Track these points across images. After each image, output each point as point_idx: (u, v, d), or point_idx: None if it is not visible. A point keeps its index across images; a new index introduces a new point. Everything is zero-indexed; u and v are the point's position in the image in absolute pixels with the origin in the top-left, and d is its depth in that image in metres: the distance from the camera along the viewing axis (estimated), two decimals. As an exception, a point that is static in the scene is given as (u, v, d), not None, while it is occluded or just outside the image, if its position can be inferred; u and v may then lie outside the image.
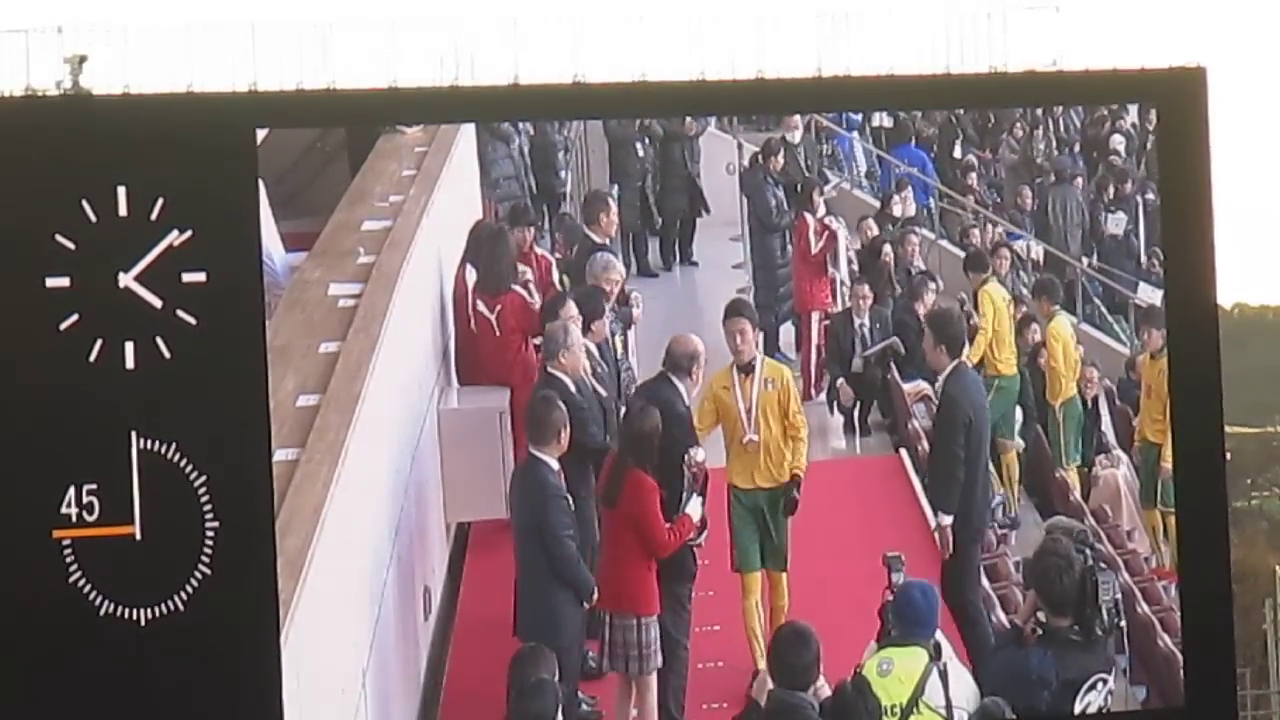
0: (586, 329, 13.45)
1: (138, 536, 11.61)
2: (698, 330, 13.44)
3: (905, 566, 11.74)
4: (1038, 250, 15.74)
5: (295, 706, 11.44)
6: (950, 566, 13.18)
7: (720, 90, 12.47)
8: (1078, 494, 14.74)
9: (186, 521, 11.62)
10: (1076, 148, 16.20)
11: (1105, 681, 11.19)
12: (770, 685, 10.78)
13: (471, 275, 13.89)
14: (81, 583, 11.52)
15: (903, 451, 14.64)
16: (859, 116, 16.17)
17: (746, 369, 13.40)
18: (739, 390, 13.38)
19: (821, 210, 15.11)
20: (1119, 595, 11.24)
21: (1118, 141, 16.03)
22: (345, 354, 12.51)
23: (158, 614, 11.56)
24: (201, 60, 11.76)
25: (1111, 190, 15.87)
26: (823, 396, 15.00)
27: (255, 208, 11.90)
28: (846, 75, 12.51)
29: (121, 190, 11.64)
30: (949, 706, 10.88)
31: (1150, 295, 14.98)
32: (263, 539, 11.49)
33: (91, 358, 11.59)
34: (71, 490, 11.55)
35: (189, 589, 11.59)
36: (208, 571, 11.61)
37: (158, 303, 11.66)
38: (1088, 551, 11.29)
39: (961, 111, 16.05)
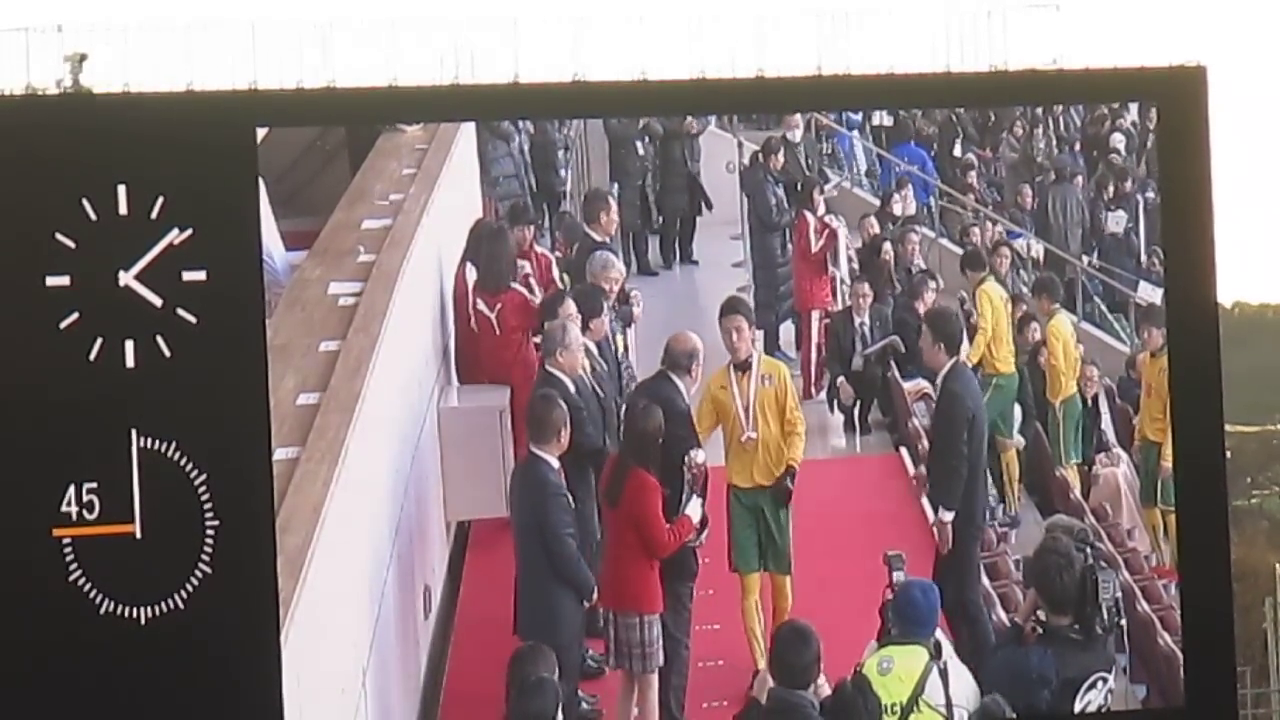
0: (585, 327, 13.45)
1: (138, 535, 11.62)
2: (697, 329, 13.44)
3: (906, 565, 11.74)
4: (1038, 249, 15.74)
5: (295, 705, 11.45)
6: (950, 564, 13.18)
7: (720, 89, 12.47)
8: (1078, 492, 14.74)
9: (186, 520, 11.63)
10: (1077, 146, 16.20)
11: (1105, 680, 11.20)
12: (770, 684, 10.78)
13: (472, 274, 13.90)
14: (81, 581, 11.52)
15: (903, 450, 14.65)
16: (859, 115, 16.17)
17: (743, 367, 13.40)
18: (736, 388, 13.37)
19: (822, 209, 15.11)
20: (1119, 594, 11.24)
21: (1118, 140, 16.03)
22: (345, 353, 12.51)
23: (158, 613, 11.57)
24: (201, 59, 11.76)
25: (1111, 189, 15.87)
26: (823, 395, 15.00)
27: (255, 206, 11.90)
28: (846, 74, 12.51)
29: (122, 189, 11.65)
30: (949, 705, 10.89)
31: (1150, 294, 14.98)
32: (263, 538, 11.49)
33: (92, 356, 11.59)
34: (71, 489, 11.55)
35: (189, 588, 11.60)
36: (208, 570, 11.62)
37: (158, 301, 11.67)
38: (1088, 550, 11.29)
39: (962, 110, 16.05)
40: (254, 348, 11.80)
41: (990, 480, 14.29)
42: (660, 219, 15.42)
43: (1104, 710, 11.24)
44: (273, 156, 12.41)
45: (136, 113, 11.79)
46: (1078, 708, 11.07)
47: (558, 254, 14.56)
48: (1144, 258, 15.59)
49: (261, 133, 12.09)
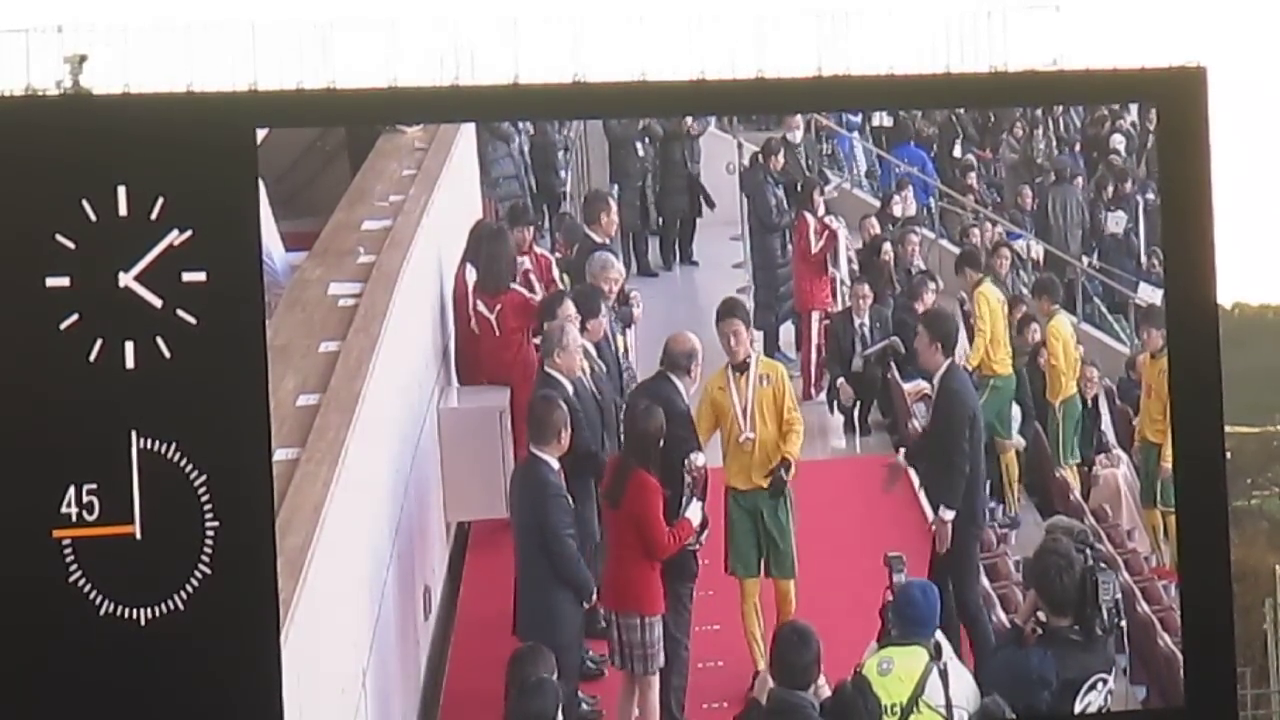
0: (582, 328, 13.45)
1: (138, 536, 11.61)
2: (697, 329, 13.44)
3: (906, 567, 11.74)
4: (1038, 250, 15.75)
5: (295, 706, 11.44)
6: (949, 563, 13.18)
7: (720, 90, 12.47)
8: (1078, 493, 14.74)
9: (186, 521, 11.62)
10: (1077, 147, 16.21)
11: (1105, 681, 11.19)
12: (771, 684, 10.79)
13: (471, 275, 13.90)
14: (81, 582, 11.52)
15: (903, 451, 14.64)
16: (859, 116, 16.17)
17: (741, 368, 13.40)
18: (734, 389, 13.37)
19: (822, 210, 15.11)
20: (1119, 595, 11.24)
21: (1118, 141, 16.04)
22: (345, 353, 12.51)
23: (158, 614, 11.56)
24: (201, 60, 11.76)
25: (1111, 189, 15.87)
26: (823, 396, 15.00)
27: (255, 207, 11.90)
28: (846, 75, 12.51)
29: (121, 190, 11.64)
30: (949, 706, 10.88)
31: (1150, 295, 14.99)
32: (263, 538, 11.49)
33: (92, 357, 11.59)
34: (71, 490, 11.55)
35: (189, 589, 11.59)
36: (208, 571, 11.61)
37: (158, 302, 11.67)
38: (1088, 551, 11.29)
39: (962, 111, 16.05)
40: (254, 349, 11.80)
41: (989, 481, 14.32)
42: (660, 220, 15.42)
43: (1104, 711, 11.24)
44: (273, 157, 12.41)
45: (136, 113, 11.78)
46: (1078, 709, 11.07)
47: (558, 255, 14.56)
48: (1144, 258, 15.59)
49: (261, 133, 12.08)
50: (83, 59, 11.91)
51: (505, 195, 14.60)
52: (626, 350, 14.13)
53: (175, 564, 11.60)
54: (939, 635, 11.07)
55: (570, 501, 12.69)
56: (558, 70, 12.16)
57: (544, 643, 11.88)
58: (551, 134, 14.91)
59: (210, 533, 11.63)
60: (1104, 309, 15.74)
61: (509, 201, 14.54)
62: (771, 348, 14.83)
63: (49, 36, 11.78)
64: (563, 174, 15.11)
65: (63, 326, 11.56)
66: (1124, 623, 11.24)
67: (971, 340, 14.50)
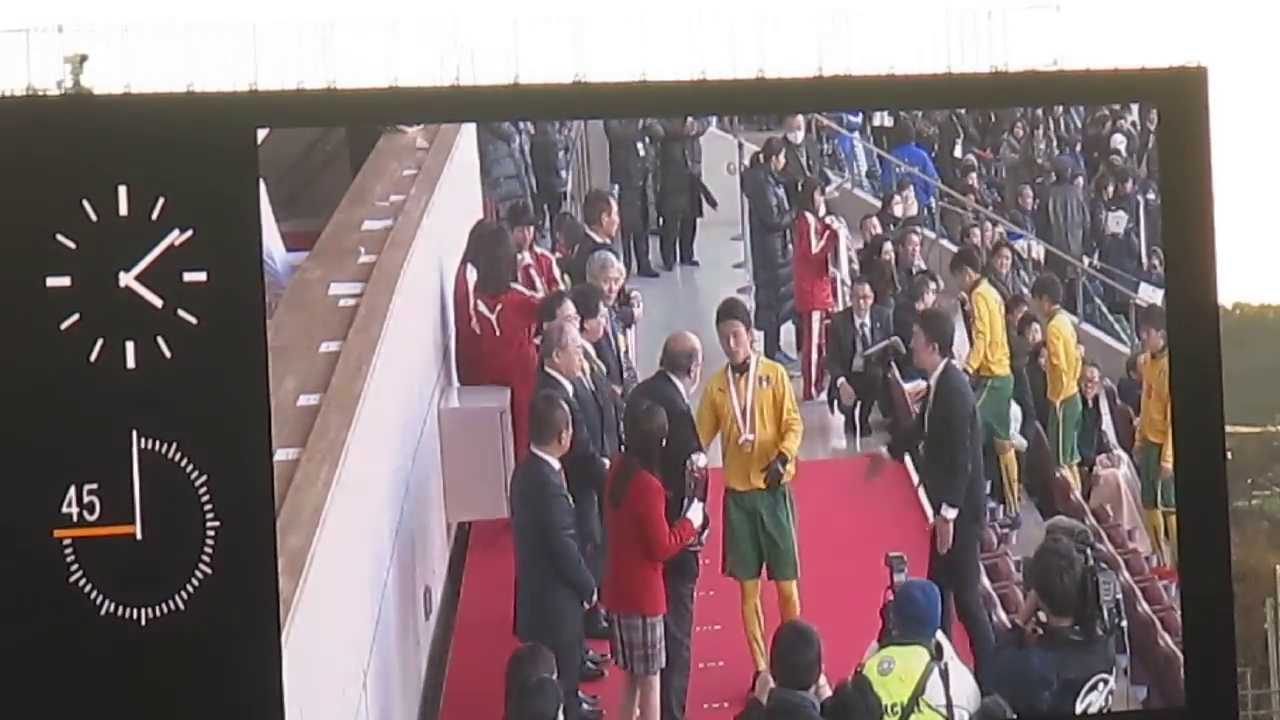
0: (581, 328, 13.45)
1: (138, 536, 11.62)
2: (698, 329, 13.45)
3: (907, 567, 11.74)
4: (1038, 250, 15.74)
5: (296, 706, 11.44)
6: (950, 562, 13.18)
7: (721, 90, 12.47)
8: (1078, 493, 14.73)
9: (187, 521, 11.63)
10: (1077, 147, 16.20)
11: (1106, 681, 11.19)
12: (772, 684, 10.79)
13: (472, 275, 13.89)
14: (82, 582, 11.52)
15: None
16: (859, 116, 16.17)
17: (741, 368, 13.40)
18: (734, 390, 13.37)
19: (822, 210, 15.10)
20: (1120, 595, 11.23)
21: (1119, 141, 16.03)
22: (346, 353, 12.51)
23: (158, 614, 11.56)
24: (202, 60, 11.76)
25: (1112, 189, 15.87)
26: (823, 396, 15.00)
27: (256, 207, 11.90)
28: (847, 75, 12.51)
29: (122, 190, 11.65)
30: (949, 706, 10.88)
31: (1151, 295, 14.98)
32: (263, 538, 11.49)
33: (92, 357, 11.59)
34: (72, 489, 11.55)
35: (189, 589, 11.59)
36: (208, 571, 11.62)
37: (158, 302, 11.67)
38: (1088, 551, 11.28)
39: (962, 111, 16.05)
40: (254, 349, 11.80)
41: (989, 481, 14.32)
42: (661, 220, 15.42)
43: (1105, 711, 11.23)
44: (273, 157, 12.41)
45: (137, 113, 11.79)
46: (1079, 709, 11.06)
47: (558, 255, 14.56)
48: (1145, 259, 15.59)
49: (262, 133, 12.08)
50: (83, 59, 11.91)
51: (506, 195, 14.59)
52: (626, 350, 14.12)
53: (176, 564, 11.61)
54: (940, 635, 11.07)
55: (571, 501, 12.69)
56: (558, 70, 12.16)
57: (544, 643, 11.89)
58: (552, 134, 14.90)
59: (211, 533, 11.63)
60: (1104, 309, 15.74)
61: (509, 201, 14.53)
62: (772, 348, 14.82)
63: (49, 36, 11.78)
64: (563, 174, 15.10)
65: (63, 326, 11.57)
66: (1125, 623, 11.23)
67: (972, 341, 14.49)
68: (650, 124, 14.96)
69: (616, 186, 14.98)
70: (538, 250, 14.36)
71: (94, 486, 11.57)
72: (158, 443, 11.63)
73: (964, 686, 11.01)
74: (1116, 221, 15.78)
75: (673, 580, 12.84)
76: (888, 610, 11.18)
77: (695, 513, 12.77)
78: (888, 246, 15.29)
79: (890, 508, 13.98)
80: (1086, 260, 15.72)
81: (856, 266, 15.30)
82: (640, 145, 15.06)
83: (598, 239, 14.19)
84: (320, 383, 12.27)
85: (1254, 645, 24.01)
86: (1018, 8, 12.51)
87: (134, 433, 11.62)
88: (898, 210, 15.74)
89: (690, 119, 14.94)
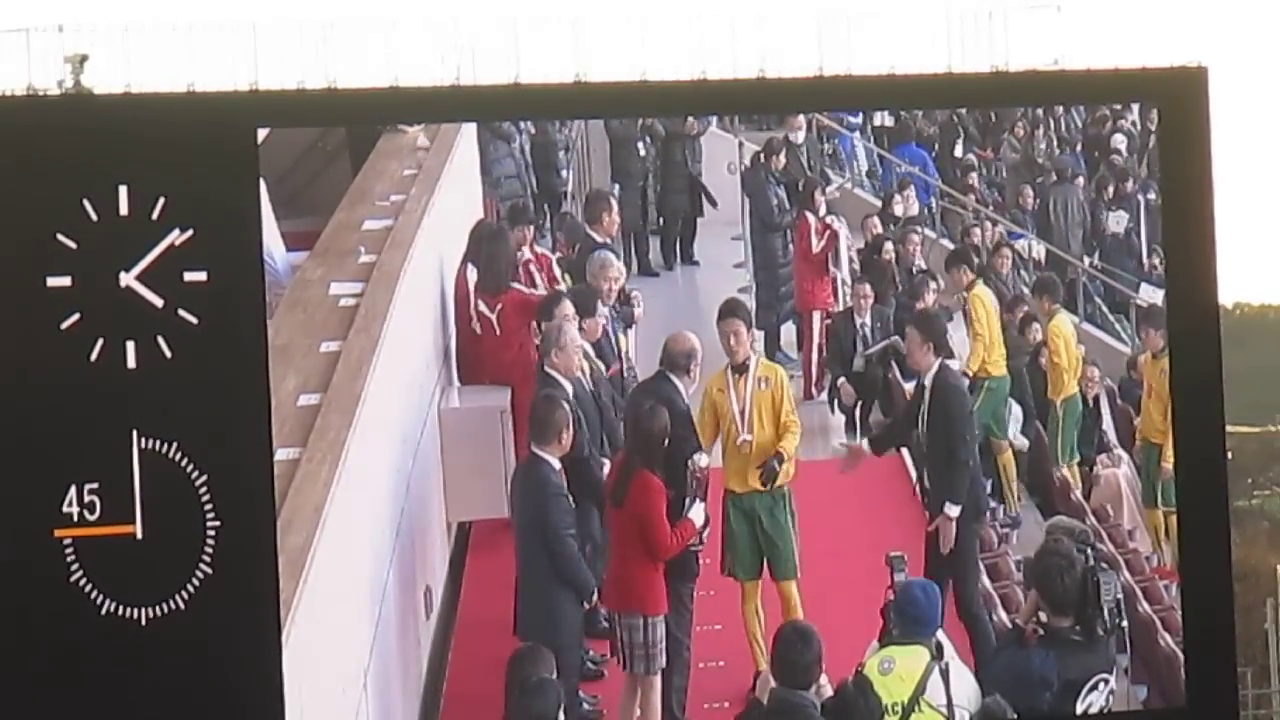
0: (580, 328, 13.44)
1: (139, 536, 11.61)
2: (698, 329, 13.44)
3: (907, 566, 11.74)
4: (1039, 250, 15.74)
5: (296, 706, 11.44)
6: (951, 560, 13.18)
7: (721, 90, 12.47)
8: (1079, 492, 14.73)
9: (187, 521, 11.62)
10: (1078, 147, 16.20)
11: (1107, 681, 11.19)
12: (772, 684, 10.78)
13: (473, 275, 13.89)
14: (82, 582, 11.51)
15: (904, 450, 14.63)
16: (859, 116, 16.16)
17: (740, 369, 13.40)
18: (733, 391, 13.37)
19: (823, 209, 15.10)
20: (1120, 595, 11.24)
21: (1119, 141, 16.03)
22: (346, 353, 12.51)
23: (158, 614, 11.56)
24: (202, 60, 11.76)
25: (1112, 189, 15.87)
26: (824, 396, 14.99)
27: (256, 207, 11.90)
28: (848, 75, 12.51)
29: (123, 189, 11.65)
30: (950, 705, 10.88)
31: (1151, 295, 14.98)
32: (264, 539, 11.49)
33: (93, 357, 11.59)
34: (73, 489, 11.55)
35: (190, 589, 11.59)
36: (209, 571, 11.61)
37: (159, 302, 11.67)
38: (1089, 551, 11.29)
39: (963, 111, 16.04)
40: (255, 348, 11.80)
41: (990, 482, 14.32)
42: (661, 220, 15.42)
43: (1105, 711, 11.23)
44: (274, 157, 12.41)
45: (137, 113, 11.78)
46: (1079, 709, 11.06)
47: (558, 255, 14.56)
48: (1145, 259, 15.59)
49: (262, 133, 12.08)
50: (84, 59, 11.91)
51: (507, 195, 14.59)
52: (627, 350, 14.12)
53: (176, 564, 11.61)
54: (940, 635, 11.07)
55: (571, 501, 12.69)
56: (558, 70, 12.16)
57: (544, 643, 11.89)
58: (552, 134, 14.90)
59: (211, 532, 11.63)
60: (1105, 309, 15.73)
61: (510, 201, 14.53)
62: (773, 347, 14.82)
63: (50, 36, 11.78)
64: (564, 174, 15.10)
65: (64, 326, 11.56)
66: (1125, 623, 11.24)
67: (971, 344, 14.49)
68: (651, 124, 14.95)
69: (617, 186, 14.98)
70: (537, 250, 14.36)
71: (94, 486, 11.57)
72: (158, 443, 11.63)
73: (965, 686, 11.01)
74: (1117, 221, 15.78)
75: (673, 580, 12.84)
76: (888, 610, 11.18)
77: (697, 513, 12.78)
78: (888, 246, 15.29)
79: (890, 507, 13.97)
80: (1087, 260, 15.71)
81: (857, 266, 15.30)
82: (641, 145, 15.06)
83: (598, 239, 14.19)
84: (321, 382, 12.27)
85: (1254, 645, 24.04)
86: (1018, 8, 12.52)
87: (134, 433, 11.62)
88: (898, 210, 15.74)
89: (690, 119, 14.93)
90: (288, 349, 12.34)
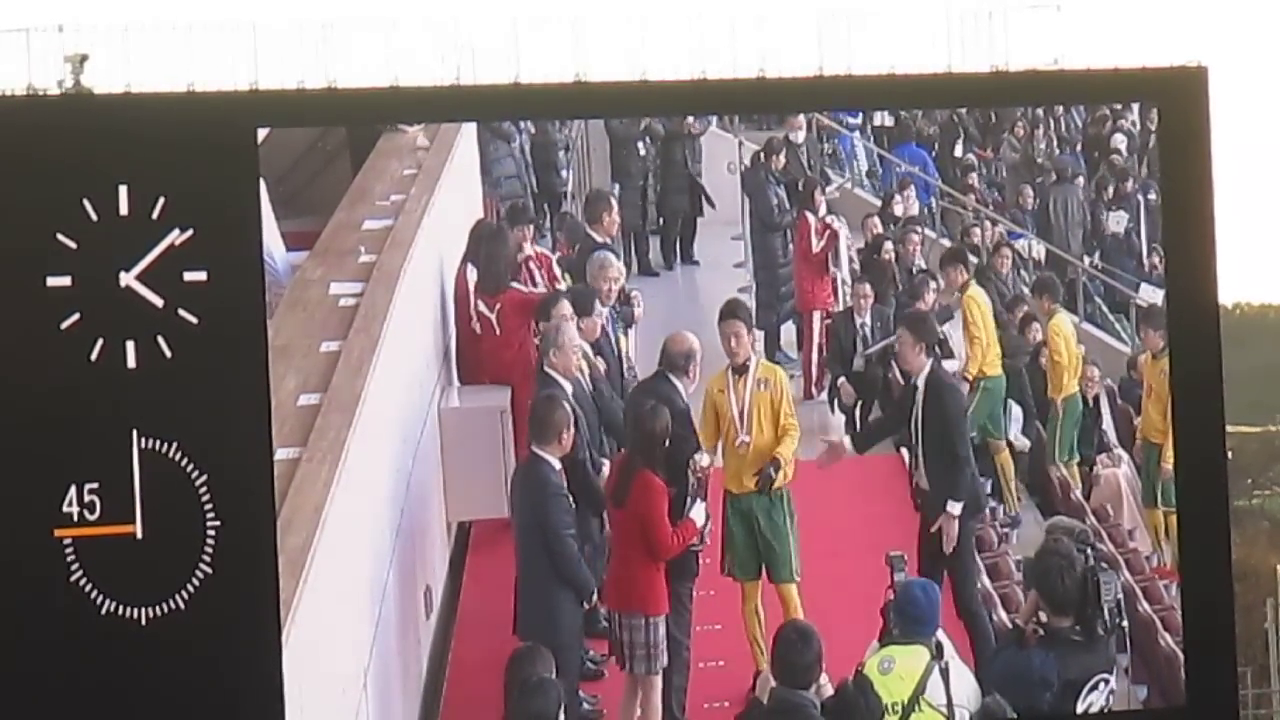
0: (578, 328, 13.44)
1: (139, 535, 11.62)
2: (698, 329, 13.44)
3: (907, 566, 11.74)
4: (1039, 249, 15.74)
5: (296, 706, 11.44)
6: (950, 558, 13.18)
7: (721, 90, 12.48)
8: (1079, 492, 14.73)
9: (188, 521, 11.63)
10: (1078, 147, 16.19)
11: (1107, 681, 11.19)
12: (772, 684, 10.78)
13: (473, 275, 13.89)
14: (82, 582, 11.52)
15: (903, 450, 14.62)
16: (859, 117, 16.16)
17: (740, 370, 13.40)
18: (733, 392, 13.37)
19: (823, 209, 15.10)
20: (1120, 595, 11.23)
21: (1119, 141, 16.02)
22: (346, 353, 12.51)
23: (158, 613, 11.56)
24: (202, 60, 11.77)
25: (1112, 189, 15.86)
26: (824, 395, 14.98)
27: (256, 207, 11.90)
28: (848, 75, 12.51)
29: (123, 189, 11.65)
30: (950, 705, 10.88)
31: (1151, 295, 14.97)
32: (264, 538, 11.49)
33: (93, 357, 11.59)
34: (73, 489, 11.55)
35: (190, 588, 11.59)
36: (209, 571, 11.62)
37: (159, 302, 11.67)
38: (1089, 551, 11.28)
39: (963, 111, 16.04)
40: (255, 348, 11.81)
41: (989, 482, 14.32)
42: (661, 220, 15.41)
43: (1105, 711, 11.23)
44: (274, 157, 12.41)
45: (137, 113, 11.79)
46: (1080, 709, 11.06)
47: (559, 254, 14.55)
48: (1145, 258, 15.58)
49: (262, 133, 12.08)
50: (84, 59, 11.91)
51: (507, 195, 14.59)
52: (627, 350, 14.12)
53: (176, 564, 11.61)
54: (940, 634, 11.07)
55: (571, 501, 12.69)
56: (558, 70, 12.16)
57: (544, 643, 11.90)
58: (552, 133, 14.90)
59: (211, 532, 11.63)
60: (1105, 309, 15.73)
61: (510, 201, 14.53)
62: (773, 347, 14.81)
63: (50, 36, 11.78)
64: (564, 173, 15.10)
65: (64, 326, 11.57)
66: (1125, 623, 11.23)
67: (969, 347, 14.48)
68: (651, 124, 14.95)
69: (617, 186, 14.98)
70: (536, 250, 14.36)
71: (94, 486, 11.57)
72: (158, 442, 11.63)
73: (964, 686, 11.01)
74: (1117, 221, 15.78)
75: (672, 579, 12.85)
76: (888, 609, 11.18)
77: (698, 512, 12.78)
78: (888, 246, 15.28)
79: (891, 507, 13.97)
80: (1087, 260, 15.71)
81: (857, 266, 15.29)
82: (641, 145, 15.05)
83: (598, 238, 14.18)
84: (321, 382, 12.27)
85: (1254, 645, 24.04)
86: (1018, 8, 12.52)
87: (134, 432, 11.62)
88: (898, 210, 15.74)
89: (690, 119, 14.93)
90: (288, 349, 12.34)
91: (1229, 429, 13.03)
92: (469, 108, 12.73)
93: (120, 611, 11.53)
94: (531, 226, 14.37)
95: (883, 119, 16.18)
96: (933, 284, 14.89)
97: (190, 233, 11.69)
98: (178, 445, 11.64)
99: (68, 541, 11.53)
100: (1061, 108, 15.89)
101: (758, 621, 13.29)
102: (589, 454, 13.20)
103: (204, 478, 11.65)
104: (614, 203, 14.43)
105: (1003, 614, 13.30)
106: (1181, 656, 12.88)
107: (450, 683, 13.14)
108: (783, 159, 15.14)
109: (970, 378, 14.30)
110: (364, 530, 12.29)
